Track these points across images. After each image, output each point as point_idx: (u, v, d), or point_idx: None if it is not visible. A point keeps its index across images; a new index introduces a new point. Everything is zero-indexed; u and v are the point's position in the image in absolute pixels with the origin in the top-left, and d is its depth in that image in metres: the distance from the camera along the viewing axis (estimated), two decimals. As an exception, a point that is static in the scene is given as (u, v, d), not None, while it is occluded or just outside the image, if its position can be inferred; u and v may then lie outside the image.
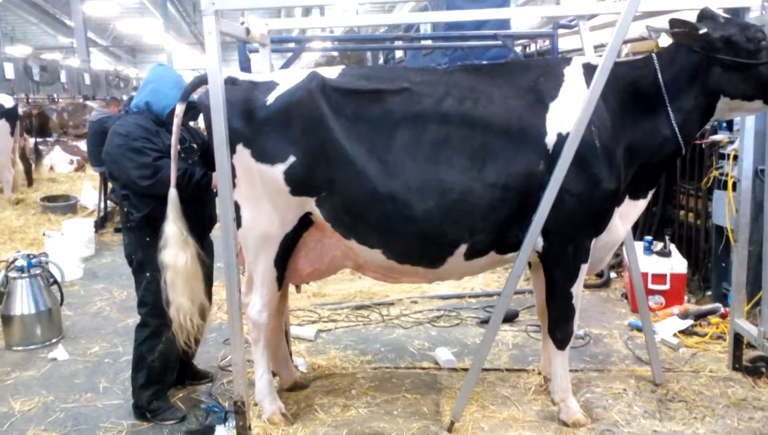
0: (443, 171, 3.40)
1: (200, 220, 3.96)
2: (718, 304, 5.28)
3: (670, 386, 4.06)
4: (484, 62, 7.81)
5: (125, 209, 3.89)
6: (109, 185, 6.26)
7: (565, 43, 8.63)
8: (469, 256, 3.56)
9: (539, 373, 4.33)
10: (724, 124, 5.82)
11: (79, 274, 7.27)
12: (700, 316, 5.16)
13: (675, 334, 4.93)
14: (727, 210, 5.09)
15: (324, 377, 4.40)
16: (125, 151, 3.75)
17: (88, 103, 17.58)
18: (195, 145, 4.04)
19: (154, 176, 3.72)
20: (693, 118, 3.56)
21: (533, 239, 3.43)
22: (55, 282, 5.63)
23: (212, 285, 4.22)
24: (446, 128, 3.43)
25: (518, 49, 9.18)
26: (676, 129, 3.52)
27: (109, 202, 9.38)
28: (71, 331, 5.59)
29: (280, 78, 3.61)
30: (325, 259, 3.79)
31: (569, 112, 3.38)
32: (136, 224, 3.85)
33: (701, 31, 3.35)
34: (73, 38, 28.76)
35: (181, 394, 4.28)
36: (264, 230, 3.59)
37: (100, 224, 9.20)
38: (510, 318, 5.47)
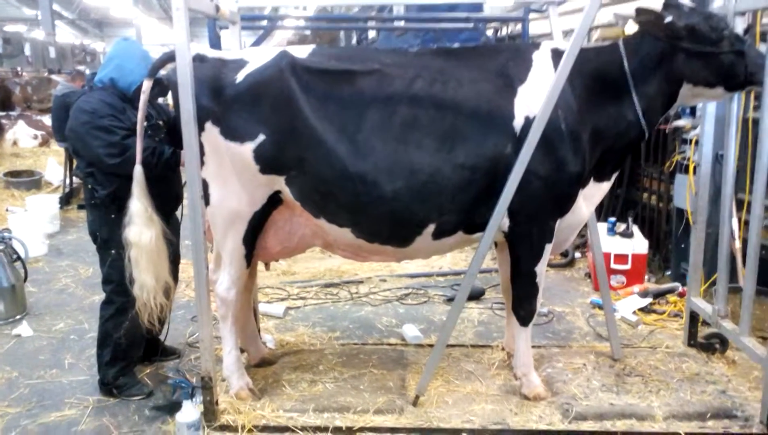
0: (412, 152, 3.44)
1: (166, 197, 3.93)
2: (676, 284, 5.46)
3: (627, 361, 4.20)
4: (456, 45, 7.85)
5: (89, 186, 3.84)
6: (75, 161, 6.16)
7: (536, 28, 8.70)
8: (437, 235, 3.62)
9: (503, 349, 4.44)
10: (688, 110, 5.96)
11: (43, 250, 7.17)
12: (659, 295, 5.34)
13: (634, 312, 5.10)
14: (688, 193, 5.23)
15: (292, 353, 4.45)
16: (91, 129, 3.68)
17: (53, 77, 17.13)
18: (161, 122, 3.99)
19: (122, 155, 3.67)
20: (657, 103, 3.64)
21: (499, 219, 3.50)
22: (19, 258, 5.56)
23: (179, 263, 4.21)
24: (416, 110, 3.46)
25: (490, 32, 9.21)
26: (640, 114, 3.59)
27: (74, 177, 9.23)
28: (35, 308, 5.53)
29: (250, 56, 3.59)
30: (295, 238, 3.82)
31: (537, 96, 3.44)
32: (101, 201, 3.81)
33: (666, 20, 3.42)
34: (37, 10, 27.84)
35: (148, 370, 4.29)
36: (233, 208, 3.60)
37: (65, 200, 9.06)
38: (476, 296, 5.59)
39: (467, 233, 3.68)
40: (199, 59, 3.52)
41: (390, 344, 4.68)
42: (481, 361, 4.31)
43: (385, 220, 3.55)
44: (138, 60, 3.88)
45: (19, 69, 19.10)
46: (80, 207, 8.71)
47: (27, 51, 22.07)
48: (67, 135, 3.88)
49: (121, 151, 3.68)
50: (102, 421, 3.73)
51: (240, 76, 3.47)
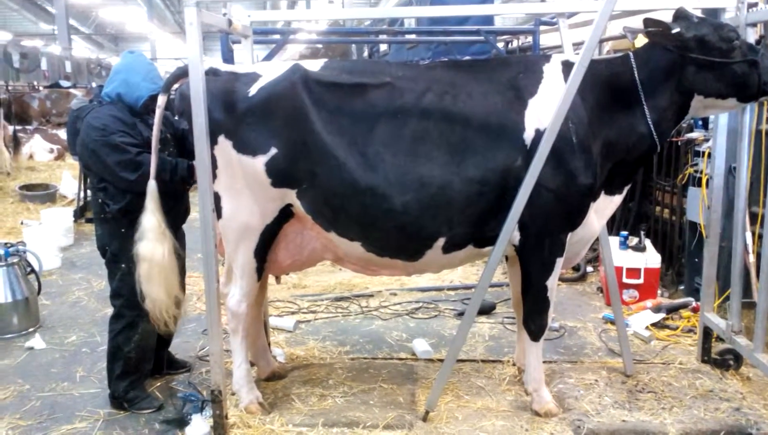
0: (423, 165, 3.44)
1: (177, 211, 3.96)
2: (690, 298, 5.40)
3: (640, 377, 4.15)
4: (467, 57, 7.87)
5: (100, 200, 3.85)
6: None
7: (547, 40, 8.71)
8: (447, 249, 3.61)
9: (514, 364, 4.40)
10: (700, 123, 5.93)
11: (57, 263, 7.23)
12: (672, 310, 5.27)
13: (647, 327, 5.04)
14: (701, 206, 5.19)
15: (302, 367, 4.44)
16: (102, 146, 3.69)
17: (72, 90, 17.35)
18: (169, 136, 4.02)
19: (137, 171, 3.68)
20: (668, 115, 3.62)
21: (509, 233, 3.49)
22: (33, 271, 5.60)
23: (185, 276, 4.21)
24: (426, 123, 3.47)
25: (501, 45, 9.24)
26: (652, 126, 3.57)
27: (89, 191, 9.31)
28: (48, 321, 5.57)
29: (263, 70, 3.63)
30: (305, 251, 3.82)
31: (547, 109, 3.43)
32: (112, 216, 3.82)
33: (674, 31, 3.42)
34: (54, 25, 28.29)
35: (158, 384, 4.30)
36: (244, 221, 3.61)
37: (79, 213, 9.13)
38: (487, 310, 5.56)
39: (477, 247, 3.67)
40: (212, 73, 3.56)
41: (400, 359, 4.65)
42: (492, 377, 4.27)
43: (395, 233, 3.55)
44: (144, 74, 3.87)
45: (35, 83, 19.37)
46: (89, 220, 8.73)
47: (44, 65, 22.38)
48: (78, 151, 3.90)
49: (135, 167, 3.69)
50: (112, 435, 3.75)
51: (253, 90, 3.50)
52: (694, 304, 5.27)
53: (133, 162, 3.69)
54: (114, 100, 3.86)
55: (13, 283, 5.33)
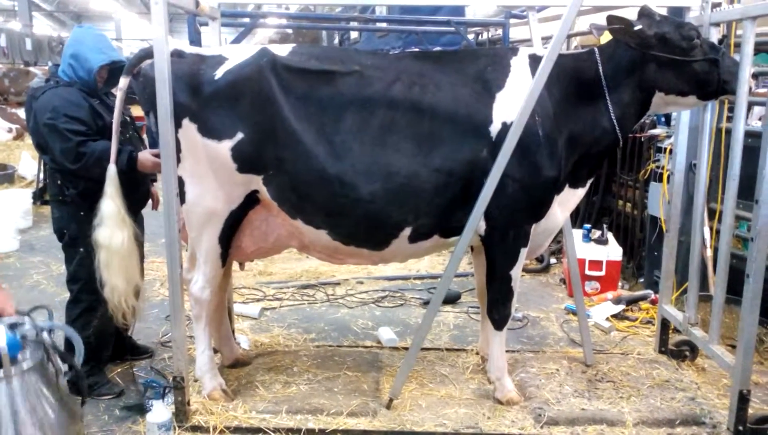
0: (390, 154, 3.44)
1: (136, 196, 3.88)
2: (649, 291, 5.53)
3: (599, 367, 4.24)
4: (437, 48, 7.88)
5: (59, 182, 3.76)
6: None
7: (517, 33, 8.77)
8: (413, 239, 3.62)
9: (477, 353, 4.46)
10: (663, 119, 6.05)
11: (15, 246, 7.05)
12: (631, 302, 5.40)
13: (607, 318, 5.15)
14: (662, 201, 5.30)
15: (266, 354, 4.42)
16: (50, 131, 3.63)
17: (32, 69, 16.84)
18: (129, 118, 3.94)
19: (78, 162, 3.60)
20: (630, 111, 3.68)
21: (475, 223, 3.52)
22: None
23: (144, 262, 4.14)
24: (394, 112, 3.46)
25: (471, 36, 9.27)
26: (615, 121, 3.63)
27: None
28: (5, 305, 5.41)
29: (230, 53, 3.57)
30: (270, 238, 3.79)
31: (514, 102, 3.46)
32: (71, 199, 3.74)
33: (636, 28, 3.48)
34: (15, 1, 27.36)
35: (119, 369, 4.23)
36: (209, 207, 3.56)
37: (38, 195, 8.88)
38: (452, 300, 5.61)
39: (443, 237, 3.69)
40: (177, 55, 3.48)
41: (365, 347, 4.67)
42: (456, 365, 4.32)
43: (362, 222, 3.55)
44: (92, 45, 3.78)
45: (-6, 60, 18.77)
46: (44, 202, 8.48)
47: (2, 42, 21.64)
48: (31, 132, 3.80)
49: (75, 158, 3.61)
50: (70, 421, 3.66)
51: (219, 73, 3.45)
52: (653, 296, 5.40)
53: (73, 151, 3.60)
54: (71, 80, 3.77)
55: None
